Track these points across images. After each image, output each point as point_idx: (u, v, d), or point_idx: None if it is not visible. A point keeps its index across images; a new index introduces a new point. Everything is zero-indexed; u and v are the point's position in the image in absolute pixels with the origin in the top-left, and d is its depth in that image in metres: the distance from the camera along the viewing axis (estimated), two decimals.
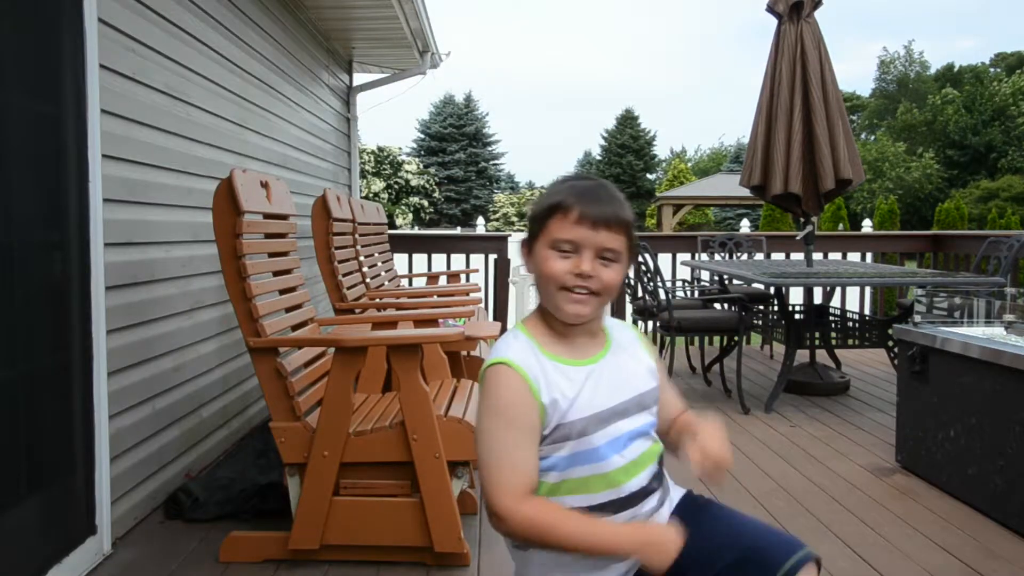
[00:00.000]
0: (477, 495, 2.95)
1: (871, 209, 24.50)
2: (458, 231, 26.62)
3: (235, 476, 3.08)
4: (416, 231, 23.31)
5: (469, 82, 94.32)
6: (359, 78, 7.06)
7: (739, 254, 6.79)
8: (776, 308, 5.27)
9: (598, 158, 46.84)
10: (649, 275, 4.82)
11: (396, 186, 34.87)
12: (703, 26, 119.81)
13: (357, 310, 3.82)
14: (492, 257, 6.57)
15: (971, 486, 3.00)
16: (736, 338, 4.74)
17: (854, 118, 46.53)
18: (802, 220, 5.07)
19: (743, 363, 4.84)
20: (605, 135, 46.40)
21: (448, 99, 43.91)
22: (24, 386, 2.21)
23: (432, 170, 39.24)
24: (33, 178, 2.26)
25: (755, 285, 5.67)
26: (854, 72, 77.58)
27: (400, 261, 6.15)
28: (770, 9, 4.99)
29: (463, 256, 6.56)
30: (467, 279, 5.40)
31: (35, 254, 2.28)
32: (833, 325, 5.06)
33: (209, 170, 3.46)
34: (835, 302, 5.91)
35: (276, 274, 2.71)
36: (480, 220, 19.77)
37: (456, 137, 42.81)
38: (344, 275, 3.86)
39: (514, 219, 37.39)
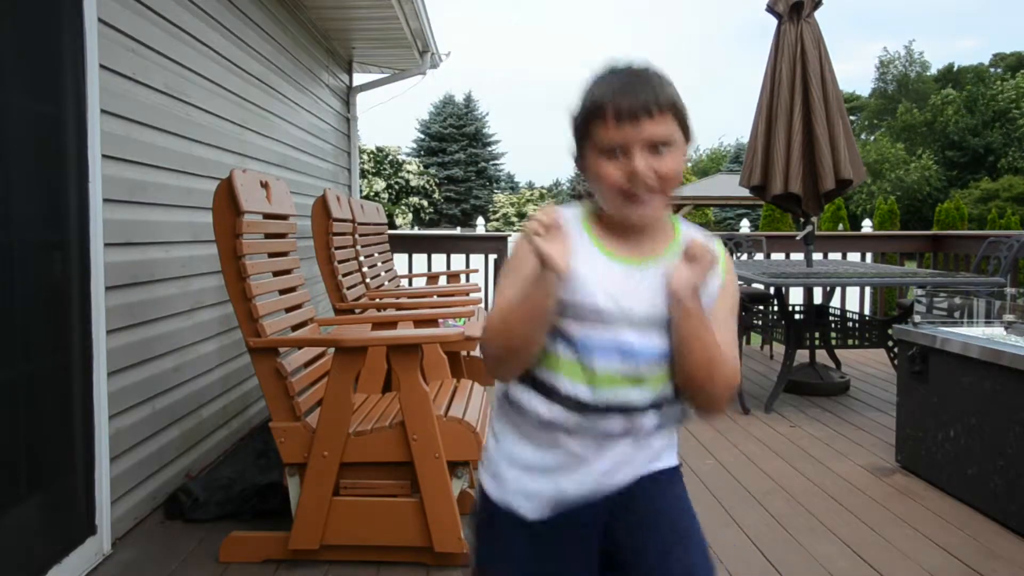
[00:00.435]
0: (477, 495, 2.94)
1: (870, 210, 24.49)
2: (458, 231, 26.60)
3: (235, 476, 3.08)
4: (416, 231, 23.30)
5: (469, 82, 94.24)
6: (359, 78, 7.06)
7: (739, 254, 6.79)
8: (776, 308, 5.27)
9: None
10: None
11: (396, 186, 34.87)
12: (703, 26, 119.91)
13: (357, 310, 3.82)
14: (492, 257, 6.57)
15: (971, 486, 3.00)
16: None
17: (854, 118, 46.51)
18: (802, 220, 5.07)
19: (743, 363, 4.83)
20: None
21: (448, 99, 43.91)
22: (24, 386, 2.21)
23: (432, 170, 39.24)
24: (33, 178, 2.26)
25: (755, 285, 5.67)
26: (854, 72, 77.61)
27: (400, 261, 6.16)
28: (770, 9, 4.99)
29: (463, 256, 6.56)
30: (467, 279, 5.41)
31: (35, 254, 2.28)
32: (833, 325, 5.06)
33: (209, 170, 3.46)
34: (835, 302, 5.91)
35: (276, 274, 2.71)
36: (480, 220, 19.74)
37: (456, 137, 42.80)
38: (344, 275, 3.86)
39: (514, 219, 37.37)
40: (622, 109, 1.16)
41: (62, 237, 2.37)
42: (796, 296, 5.69)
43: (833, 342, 5.06)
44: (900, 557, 2.58)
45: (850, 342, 5.01)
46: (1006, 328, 3.25)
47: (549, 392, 1.21)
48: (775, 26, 4.98)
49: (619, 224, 1.22)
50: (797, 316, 5.02)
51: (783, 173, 4.78)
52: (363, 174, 31.53)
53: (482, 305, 5.07)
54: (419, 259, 6.67)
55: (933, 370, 3.23)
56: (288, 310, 2.71)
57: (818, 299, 5.32)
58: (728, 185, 26.81)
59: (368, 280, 4.34)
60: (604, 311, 1.18)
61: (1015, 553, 2.61)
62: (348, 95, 6.84)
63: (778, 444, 3.86)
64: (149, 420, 2.92)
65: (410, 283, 6.03)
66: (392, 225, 29.25)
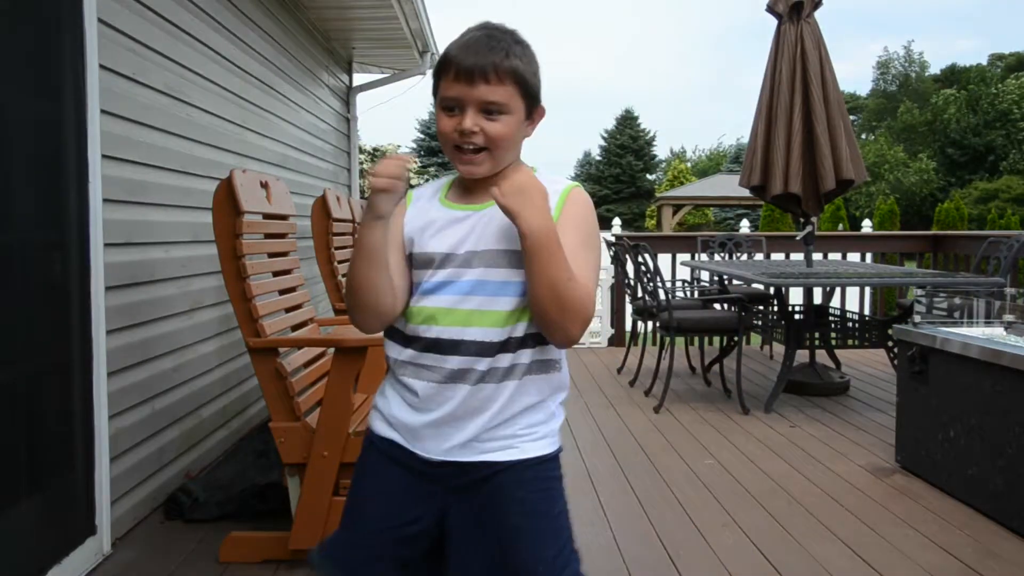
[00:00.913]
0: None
1: (869, 212, 24.46)
2: None
3: (235, 476, 3.08)
4: None
5: None
6: (359, 78, 7.06)
7: (739, 254, 6.79)
8: (776, 308, 5.27)
9: (598, 158, 46.77)
10: (649, 275, 4.82)
11: None
12: (703, 26, 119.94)
13: None
14: None
15: (971, 486, 3.00)
16: (736, 338, 4.74)
17: (854, 118, 46.49)
18: (802, 220, 5.07)
19: (743, 363, 4.84)
20: (605, 135, 46.33)
21: None
22: (24, 386, 2.21)
23: (432, 170, 39.24)
24: (33, 178, 2.26)
25: (755, 285, 5.67)
26: (854, 72, 77.58)
27: None
28: (770, 9, 4.99)
29: None
30: None
31: (35, 254, 2.28)
32: (833, 325, 5.06)
33: (209, 170, 3.46)
34: (835, 302, 5.91)
35: (276, 274, 2.71)
36: None
37: None
38: (344, 275, 3.86)
39: None
40: (462, 68, 1.22)
41: (62, 237, 2.37)
42: (796, 296, 5.69)
43: (833, 342, 5.06)
44: (900, 557, 2.58)
45: (850, 342, 5.01)
46: (1006, 328, 3.25)
47: (401, 337, 1.31)
48: (775, 26, 4.98)
49: (468, 181, 1.31)
50: (797, 316, 5.02)
51: (783, 173, 4.78)
52: (363, 174, 31.50)
53: None
54: None
55: (933, 370, 3.23)
56: (288, 310, 2.71)
57: (818, 299, 5.32)
58: (728, 185, 26.81)
59: None
60: (438, 255, 1.27)
61: (1015, 553, 2.61)
62: (348, 95, 6.84)
63: (778, 444, 3.86)
64: (149, 420, 2.92)
65: None
66: None
